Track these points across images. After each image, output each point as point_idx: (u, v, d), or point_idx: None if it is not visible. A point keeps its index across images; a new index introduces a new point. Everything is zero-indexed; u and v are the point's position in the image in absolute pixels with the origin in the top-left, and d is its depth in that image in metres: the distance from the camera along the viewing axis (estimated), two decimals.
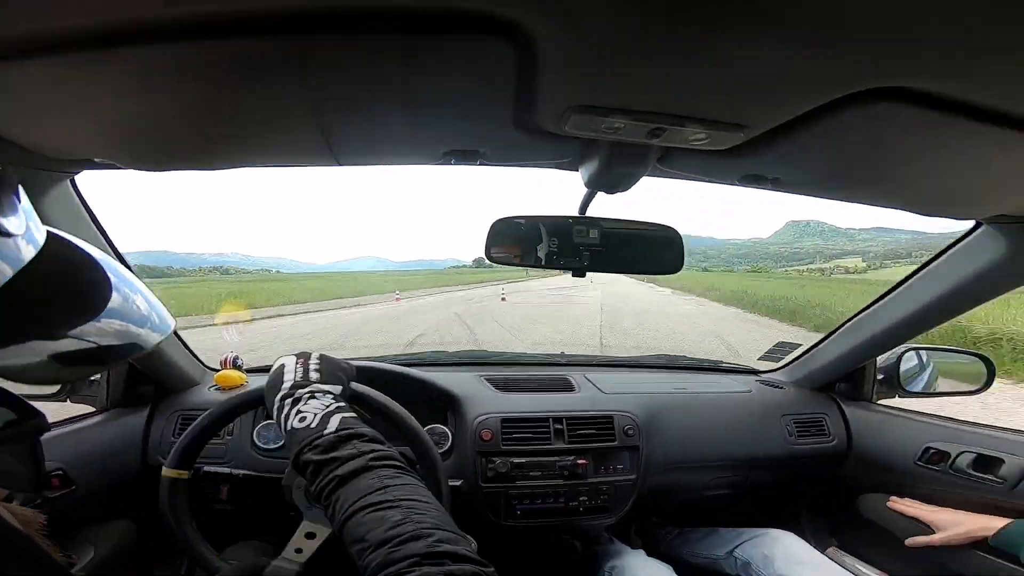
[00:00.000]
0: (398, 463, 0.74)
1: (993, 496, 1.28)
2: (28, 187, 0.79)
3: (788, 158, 0.75)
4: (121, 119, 0.62)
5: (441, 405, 1.43)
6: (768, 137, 0.67)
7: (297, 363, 0.91)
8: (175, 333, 1.30)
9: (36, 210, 0.80)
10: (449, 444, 1.38)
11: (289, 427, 0.80)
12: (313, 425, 0.78)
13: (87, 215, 0.94)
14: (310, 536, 1.01)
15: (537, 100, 0.60)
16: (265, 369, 1.56)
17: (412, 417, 1.06)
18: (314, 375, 0.89)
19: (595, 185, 0.83)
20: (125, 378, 1.28)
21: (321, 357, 0.94)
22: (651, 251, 0.96)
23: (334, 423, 0.78)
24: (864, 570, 1.51)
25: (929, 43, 0.44)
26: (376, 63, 0.53)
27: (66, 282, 0.44)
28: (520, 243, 0.92)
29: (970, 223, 1.12)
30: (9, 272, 0.37)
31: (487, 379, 1.54)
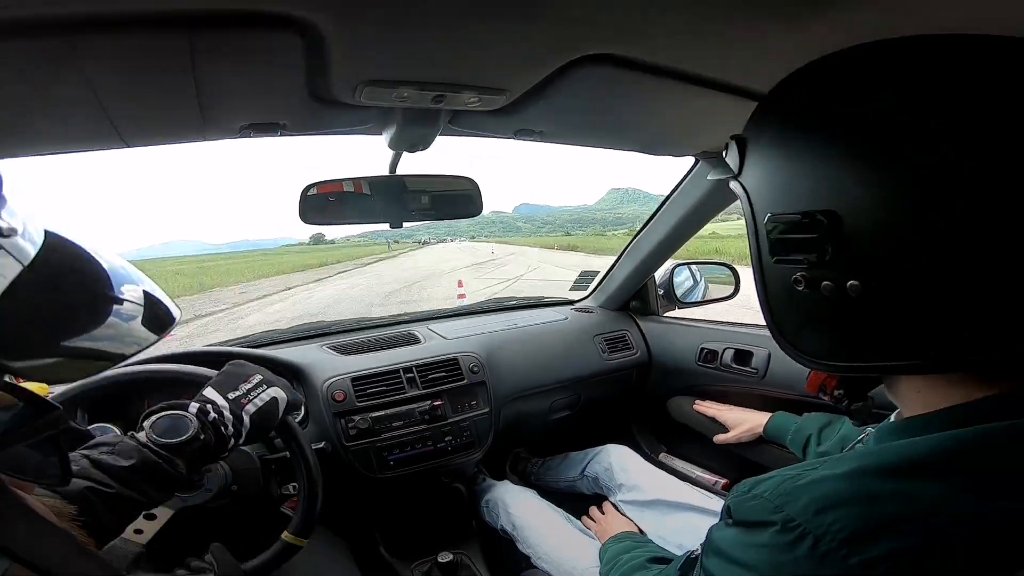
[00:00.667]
0: None
1: (751, 384, 1.55)
2: None
3: (546, 114, 0.93)
4: None
5: (292, 377, 1.45)
6: (528, 98, 0.84)
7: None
8: None
9: None
10: (303, 413, 1.40)
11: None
12: None
13: None
14: (150, 517, 0.95)
15: (330, 77, 0.70)
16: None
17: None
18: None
19: (397, 146, 0.96)
20: None
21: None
22: (453, 199, 1.11)
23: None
24: (692, 470, 1.76)
25: (612, 17, 0.61)
26: (158, 57, 0.57)
27: (70, 280, 0.44)
28: (335, 204, 1.02)
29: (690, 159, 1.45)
30: (13, 271, 0.38)
31: (329, 347, 1.60)
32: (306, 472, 1.06)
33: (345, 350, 1.58)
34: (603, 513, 1.41)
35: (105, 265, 0.47)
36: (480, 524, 1.63)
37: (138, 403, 1.29)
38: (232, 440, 0.89)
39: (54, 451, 0.47)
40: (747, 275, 0.64)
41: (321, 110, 0.81)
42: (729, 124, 0.81)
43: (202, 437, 0.84)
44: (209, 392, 0.92)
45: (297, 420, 1.38)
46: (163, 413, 0.86)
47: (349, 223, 1.03)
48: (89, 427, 1.21)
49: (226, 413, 0.89)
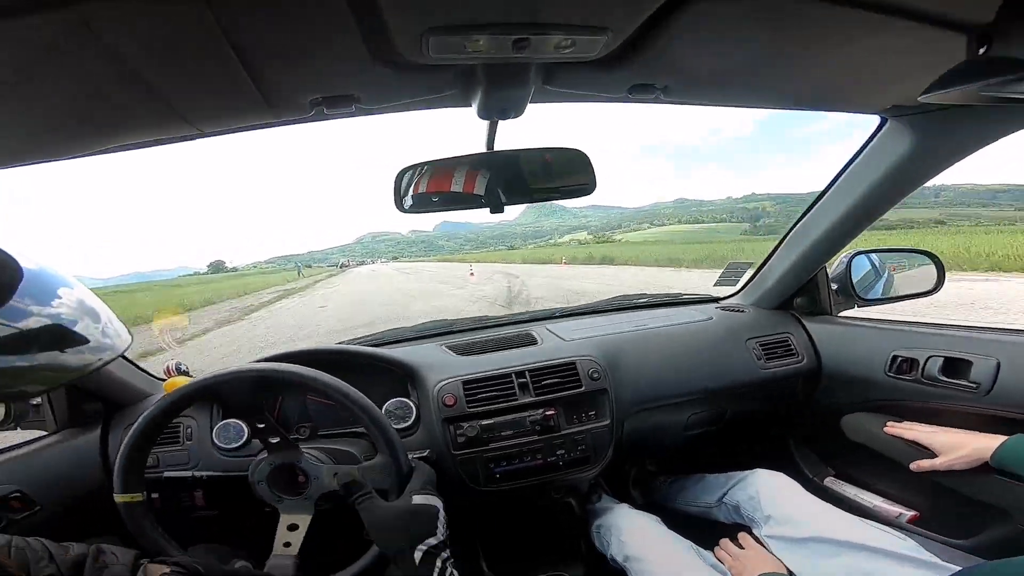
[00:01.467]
0: None
1: (968, 403, 1.21)
2: None
3: (672, 62, 0.73)
4: None
5: (401, 379, 1.41)
6: (643, 41, 0.66)
7: (443, 512, 0.91)
8: None
9: None
10: (414, 416, 1.35)
11: None
12: None
13: None
14: (292, 528, 1.01)
15: (388, 30, 0.58)
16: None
17: (363, 396, 1.02)
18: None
19: (485, 113, 0.81)
20: (67, 398, 1.25)
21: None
22: (563, 175, 0.94)
23: None
24: (865, 497, 1.47)
25: None
26: (182, 29, 0.51)
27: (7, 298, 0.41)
28: (430, 189, 0.91)
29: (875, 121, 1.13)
30: None
31: (448, 347, 1.52)
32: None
33: (462, 350, 1.50)
34: (741, 547, 1.20)
35: (47, 286, 0.45)
36: (589, 547, 1.46)
37: (266, 399, 1.35)
38: None
39: None
40: None
41: (392, 76, 0.70)
42: (932, 67, 0.64)
43: None
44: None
45: (406, 425, 1.34)
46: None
47: (446, 209, 0.92)
48: (220, 423, 1.27)
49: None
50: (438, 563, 0.82)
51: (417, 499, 0.90)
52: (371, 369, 1.39)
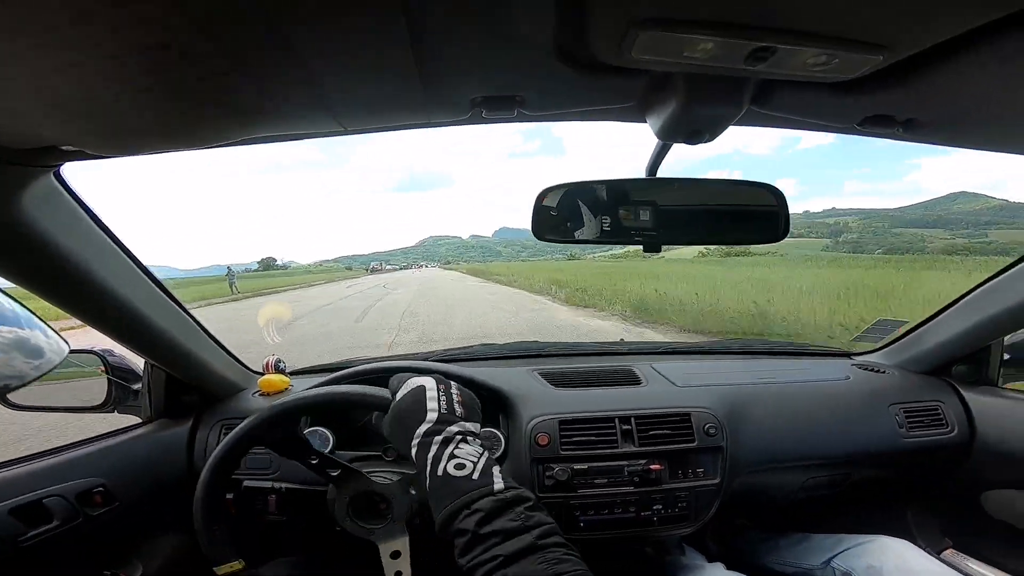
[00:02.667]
0: (564, 541, 0.66)
1: None
2: (4, 186, 0.71)
3: (932, 95, 0.57)
4: (78, 95, 0.53)
5: (492, 405, 1.29)
6: (913, 68, 0.51)
7: (439, 389, 0.82)
8: (213, 339, 1.24)
9: (18, 210, 0.71)
10: (502, 450, 1.24)
11: (441, 472, 0.71)
12: (475, 477, 0.70)
13: (80, 209, 0.87)
14: (396, 555, 0.95)
15: (588, 17, 0.46)
16: (309, 371, 1.48)
17: None
18: (459, 408, 0.80)
19: (670, 134, 0.67)
20: (166, 388, 1.23)
21: (460, 386, 0.85)
22: (746, 215, 0.78)
23: (498, 479, 0.70)
24: (991, 574, 1.32)
25: None
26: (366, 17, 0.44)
27: None
28: (574, 216, 0.78)
29: None
30: None
31: (541, 374, 1.40)
32: None
33: (558, 380, 1.37)
34: None
35: None
36: None
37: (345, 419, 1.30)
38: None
39: None
40: None
41: (570, 78, 0.58)
42: None
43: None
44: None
45: (494, 457, 1.22)
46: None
47: (590, 242, 0.78)
48: (307, 431, 1.22)
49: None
50: (433, 448, 0.74)
51: (402, 391, 0.83)
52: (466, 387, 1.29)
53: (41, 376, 0.46)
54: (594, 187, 0.78)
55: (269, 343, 8.45)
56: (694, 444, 1.21)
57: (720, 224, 0.77)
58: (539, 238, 0.81)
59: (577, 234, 0.78)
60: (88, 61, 0.46)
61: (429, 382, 0.83)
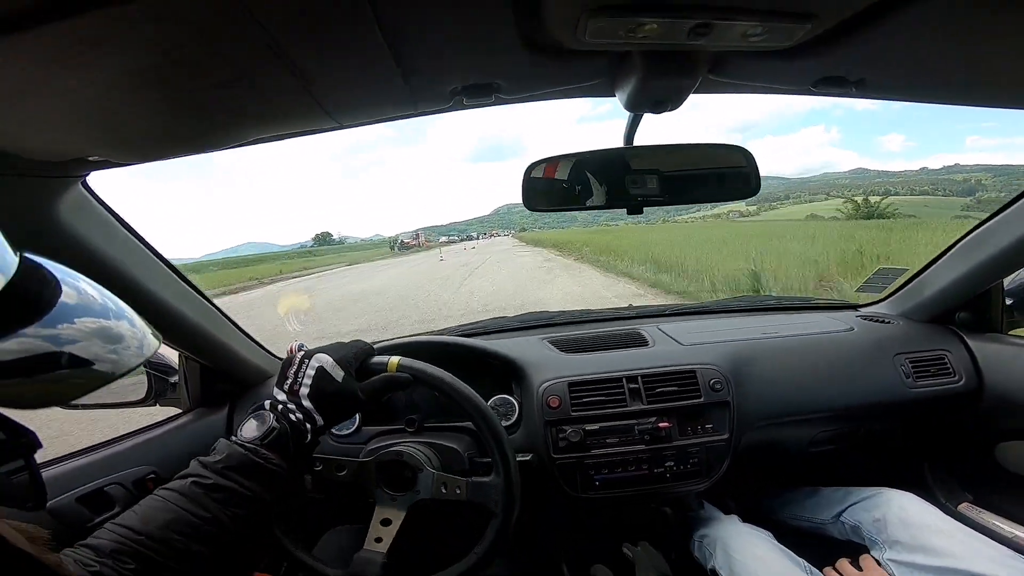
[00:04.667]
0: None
1: None
2: (37, 197, 0.78)
3: (877, 55, 0.61)
4: (101, 110, 0.59)
5: (505, 374, 1.36)
6: (852, 31, 0.55)
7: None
8: (240, 329, 1.32)
9: (51, 218, 0.79)
10: (516, 415, 1.31)
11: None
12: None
13: (109, 216, 0.93)
14: (385, 523, 1.01)
15: (543, 8, 0.51)
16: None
17: (470, 389, 1.00)
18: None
19: (636, 106, 0.72)
20: (201, 378, 1.31)
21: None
22: (718, 175, 0.83)
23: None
24: (1007, 527, 1.30)
25: None
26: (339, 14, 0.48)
27: (40, 308, 0.43)
28: (562, 186, 0.84)
29: None
30: None
31: (551, 341, 1.45)
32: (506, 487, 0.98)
33: (566, 346, 1.43)
34: (860, 569, 1.14)
35: (79, 296, 0.46)
36: (684, 557, 1.37)
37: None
38: (307, 424, 0.88)
39: (30, 475, 0.48)
40: None
41: (539, 62, 0.63)
42: None
43: (276, 428, 0.85)
44: (274, 390, 0.91)
45: (509, 423, 1.30)
46: (250, 415, 0.88)
47: (575, 208, 0.84)
48: None
49: (289, 404, 0.88)
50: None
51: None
52: (476, 362, 1.35)
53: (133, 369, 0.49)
54: (576, 158, 0.83)
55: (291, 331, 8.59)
56: (701, 400, 1.26)
57: (697, 185, 0.82)
58: (530, 208, 0.87)
59: (559, 202, 0.84)
60: (105, 78, 0.51)
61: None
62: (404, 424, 1.23)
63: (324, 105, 0.66)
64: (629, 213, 0.83)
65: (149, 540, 0.69)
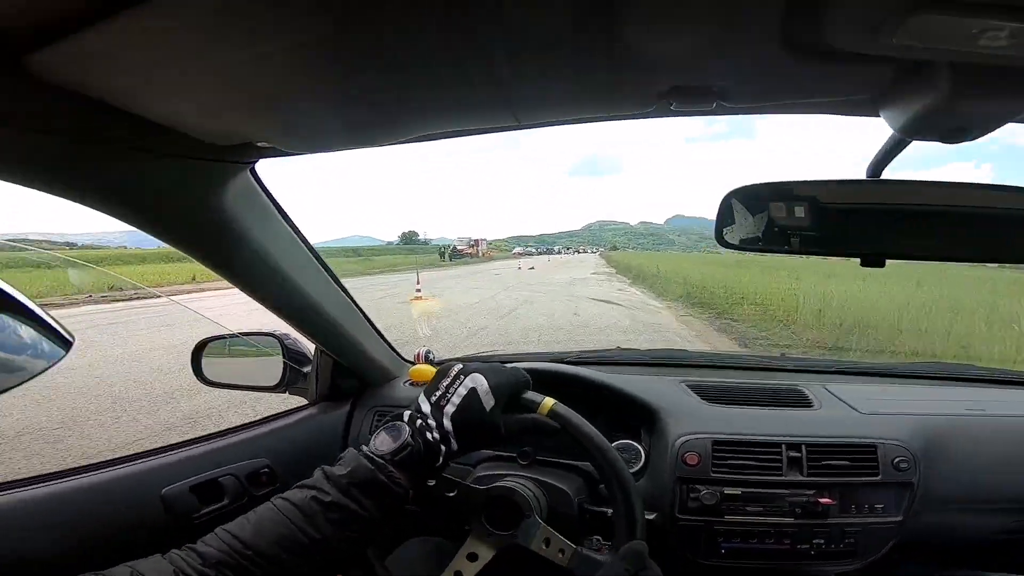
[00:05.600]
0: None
1: None
2: (209, 180, 0.78)
3: None
4: (273, 95, 0.56)
5: (634, 417, 1.21)
6: None
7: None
8: (374, 327, 1.29)
9: (219, 203, 0.83)
10: (640, 465, 1.16)
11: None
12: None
13: (271, 205, 0.94)
14: (472, 558, 0.93)
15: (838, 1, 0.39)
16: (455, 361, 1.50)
17: (599, 435, 0.89)
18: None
19: (919, 131, 0.55)
20: (330, 371, 1.30)
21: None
22: (1004, 227, 0.63)
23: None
24: None
25: None
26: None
27: None
28: (776, 221, 0.68)
29: None
30: None
31: (691, 386, 1.28)
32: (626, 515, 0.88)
33: (711, 395, 1.25)
34: None
35: None
36: None
37: None
38: (442, 447, 0.81)
39: None
40: None
41: (790, 66, 0.51)
42: None
43: (411, 445, 0.79)
44: (420, 399, 0.86)
45: (634, 470, 1.15)
46: (384, 425, 0.83)
47: (789, 252, 0.68)
48: None
49: (430, 420, 0.82)
50: None
51: None
52: (597, 395, 1.22)
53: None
54: (798, 188, 0.67)
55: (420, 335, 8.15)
56: (878, 479, 1.05)
57: (971, 235, 0.63)
58: (722, 244, 0.73)
59: (772, 241, 0.69)
60: (275, 53, 0.48)
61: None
62: (517, 455, 1.13)
63: (510, 101, 0.60)
64: (863, 264, 0.65)
65: (256, 556, 0.66)
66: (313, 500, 0.72)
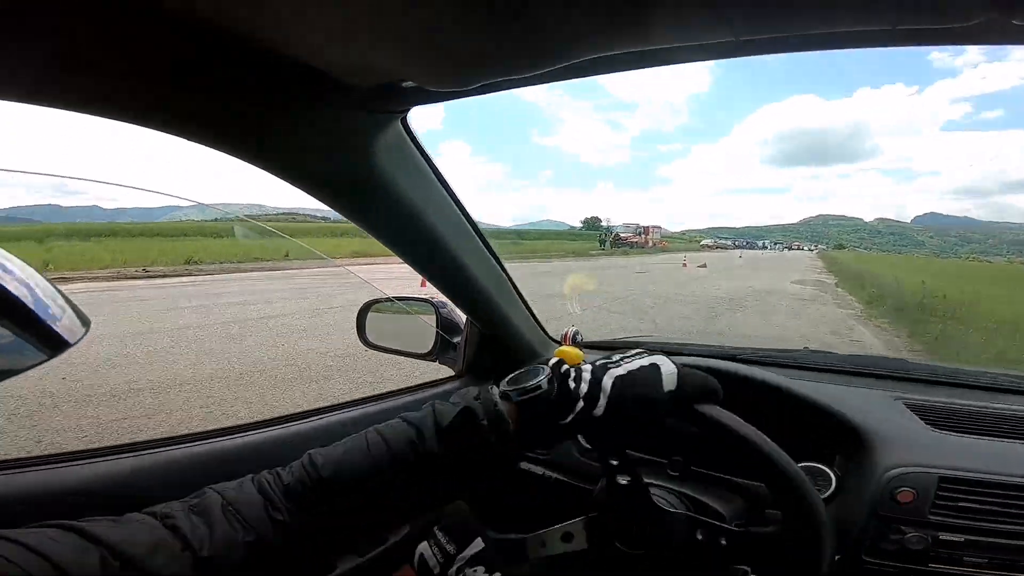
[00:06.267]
0: None
1: None
2: (361, 132, 0.77)
3: None
4: (411, 20, 0.52)
5: (827, 437, 1.00)
6: None
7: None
8: (524, 302, 1.27)
9: (373, 155, 0.81)
10: (829, 494, 0.94)
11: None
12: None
13: (423, 160, 0.91)
14: (567, 538, 0.84)
15: None
16: (599, 346, 1.41)
17: (785, 456, 0.74)
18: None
19: None
20: (478, 345, 1.29)
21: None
22: None
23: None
24: None
25: None
26: None
27: None
28: None
29: None
30: None
31: (911, 406, 1.03)
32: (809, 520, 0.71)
33: (941, 420, 0.99)
34: None
35: None
36: None
37: None
38: (581, 403, 0.70)
39: None
40: None
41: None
42: None
43: (540, 389, 0.70)
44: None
45: (823, 496, 0.94)
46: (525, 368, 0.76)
47: None
48: None
49: (584, 371, 0.72)
50: None
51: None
52: (780, 404, 1.03)
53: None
54: None
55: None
56: None
57: None
58: None
59: None
60: None
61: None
62: (668, 463, 1.00)
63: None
64: None
65: (331, 493, 0.65)
66: (409, 446, 0.68)
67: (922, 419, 0.99)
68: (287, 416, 1.07)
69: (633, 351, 0.77)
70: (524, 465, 1.15)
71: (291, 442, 1.01)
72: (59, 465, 0.81)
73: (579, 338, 1.31)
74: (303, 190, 0.84)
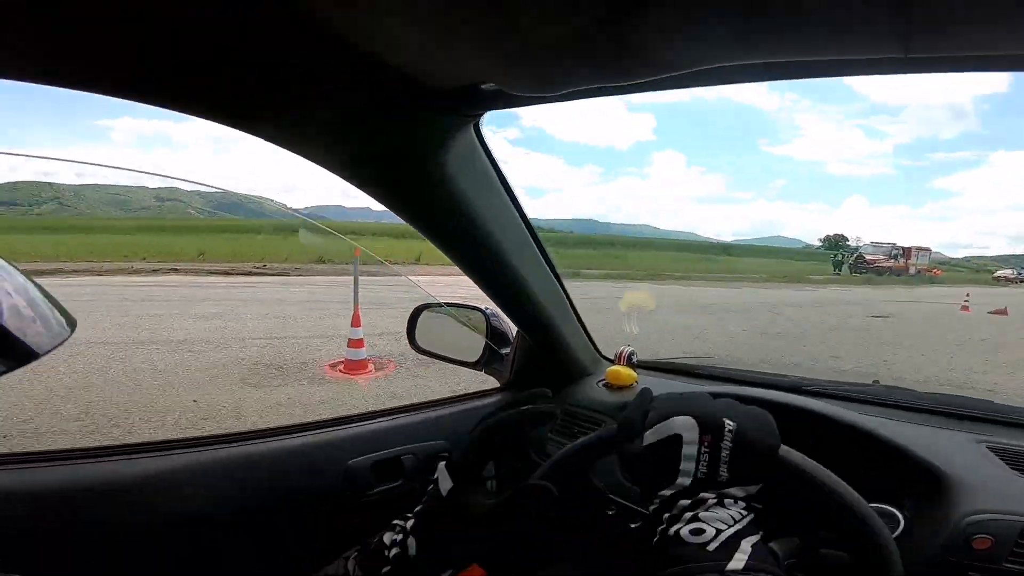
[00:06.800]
0: None
1: None
2: (434, 134, 0.75)
3: None
4: (496, 20, 0.50)
5: (898, 478, 0.93)
6: None
7: (703, 444, 0.65)
8: (578, 317, 1.23)
9: (445, 159, 0.80)
10: (896, 534, 0.86)
11: (672, 532, 0.61)
12: (710, 547, 0.58)
13: (491, 167, 0.90)
14: None
15: None
16: (658, 368, 1.35)
17: (855, 493, 0.70)
18: (724, 472, 0.64)
19: None
20: (527, 357, 1.26)
21: (738, 432, 0.65)
22: None
23: (739, 558, 0.57)
24: None
25: None
26: None
27: None
28: None
29: None
30: None
31: (995, 449, 0.95)
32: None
33: None
34: None
35: None
36: None
37: None
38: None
39: None
40: None
41: None
42: None
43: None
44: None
45: (895, 533, 0.85)
46: None
47: None
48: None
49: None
50: (673, 509, 0.63)
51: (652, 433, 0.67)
52: (849, 442, 0.96)
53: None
54: None
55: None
56: None
57: None
58: None
59: None
60: None
61: (687, 431, 0.64)
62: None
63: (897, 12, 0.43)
64: None
65: None
66: None
67: (1008, 464, 0.91)
68: (322, 421, 1.07)
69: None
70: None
71: (325, 449, 1.01)
72: (84, 461, 0.83)
73: (634, 358, 1.26)
74: (370, 194, 0.84)
